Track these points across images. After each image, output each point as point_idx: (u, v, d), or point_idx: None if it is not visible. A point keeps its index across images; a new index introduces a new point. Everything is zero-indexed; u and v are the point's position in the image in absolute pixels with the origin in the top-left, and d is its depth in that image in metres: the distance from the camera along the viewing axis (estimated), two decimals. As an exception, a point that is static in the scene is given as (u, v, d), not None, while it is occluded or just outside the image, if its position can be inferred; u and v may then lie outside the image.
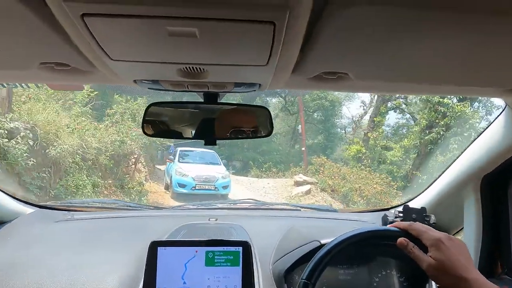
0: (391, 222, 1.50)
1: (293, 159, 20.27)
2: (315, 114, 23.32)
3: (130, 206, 1.76)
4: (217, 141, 1.00)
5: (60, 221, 1.51)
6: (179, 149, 12.49)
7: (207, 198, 9.71)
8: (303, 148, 18.70)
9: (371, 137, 15.62)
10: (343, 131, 23.10)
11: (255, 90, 0.84)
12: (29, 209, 1.56)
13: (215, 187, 10.32)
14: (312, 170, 14.36)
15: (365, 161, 14.33)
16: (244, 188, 12.92)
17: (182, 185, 10.01)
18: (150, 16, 0.49)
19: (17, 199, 1.54)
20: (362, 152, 14.89)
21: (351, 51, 0.65)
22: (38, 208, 1.59)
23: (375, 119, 15.89)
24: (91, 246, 1.32)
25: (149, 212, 1.70)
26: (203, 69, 0.68)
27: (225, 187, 10.68)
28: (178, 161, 11.39)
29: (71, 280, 1.14)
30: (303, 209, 1.85)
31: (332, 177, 12.75)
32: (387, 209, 1.76)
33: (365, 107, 19.98)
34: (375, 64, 0.71)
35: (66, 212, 1.61)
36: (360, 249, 0.95)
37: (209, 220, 1.53)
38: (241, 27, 0.52)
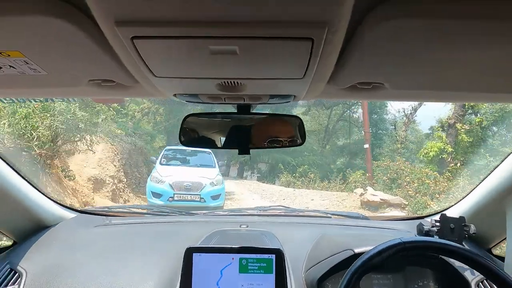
0: (427, 231, 1.45)
1: (327, 160, 18.76)
2: (353, 106, 20.12)
3: (164, 212, 1.81)
4: (250, 150, 1.02)
5: (99, 226, 1.58)
6: (166, 148, 10.23)
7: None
8: (366, 146, 13.11)
9: (461, 129, 10.46)
10: (393, 127, 18.86)
11: (289, 101, 0.85)
12: (71, 214, 1.65)
13: (201, 198, 7.80)
14: (381, 180, 10.35)
15: (452, 164, 10.14)
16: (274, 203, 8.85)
17: (157, 195, 7.78)
18: (194, 37, 0.52)
19: (60, 204, 1.63)
20: (448, 151, 10.27)
21: (387, 62, 0.65)
22: (79, 213, 1.68)
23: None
24: (128, 252, 1.37)
25: (181, 218, 1.74)
26: (241, 83, 0.70)
27: (215, 197, 8.06)
28: (160, 163, 9.00)
29: (111, 284, 1.19)
30: (334, 216, 1.83)
31: (429, 193, 8.27)
32: (422, 217, 1.70)
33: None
34: (410, 74, 0.70)
35: (104, 217, 1.69)
36: (396, 258, 0.94)
37: (240, 226, 1.55)
38: (279, 44, 0.54)
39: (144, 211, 1.82)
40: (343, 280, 0.91)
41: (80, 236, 1.49)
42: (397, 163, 10.43)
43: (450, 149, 10.25)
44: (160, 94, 0.82)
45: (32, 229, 1.48)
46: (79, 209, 1.71)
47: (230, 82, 0.70)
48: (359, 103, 17.40)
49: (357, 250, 1.20)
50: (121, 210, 1.84)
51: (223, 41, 0.53)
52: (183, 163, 9.32)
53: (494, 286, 1.26)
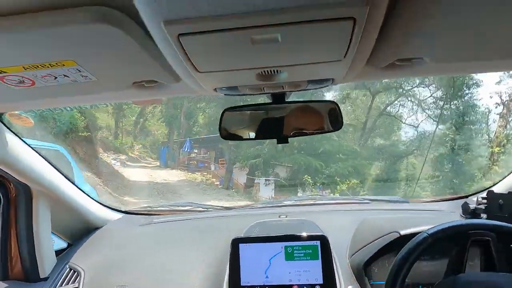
0: (473, 210, 1.41)
1: (368, 166, 13.60)
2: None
3: (203, 208, 1.86)
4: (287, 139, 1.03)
5: (143, 225, 1.65)
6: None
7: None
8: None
9: None
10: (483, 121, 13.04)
11: (328, 86, 0.85)
12: (117, 215, 1.73)
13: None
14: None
15: None
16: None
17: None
18: (237, 28, 0.54)
19: (106, 206, 1.71)
20: None
21: (426, 35, 0.63)
22: (124, 214, 1.76)
23: None
24: (173, 247, 1.43)
25: (220, 213, 1.78)
26: (280, 70, 0.71)
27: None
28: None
29: (161, 278, 1.25)
30: (372, 201, 1.81)
31: None
32: (466, 197, 1.65)
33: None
34: (450, 45, 0.69)
35: (147, 216, 1.76)
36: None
37: (279, 217, 1.57)
38: (321, 27, 0.54)
39: (184, 208, 1.88)
40: (395, 264, 0.91)
41: (127, 235, 1.57)
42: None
43: None
44: (201, 90, 0.85)
45: (84, 230, 1.57)
46: (123, 210, 1.80)
47: (270, 71, 0.71)
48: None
49: (403, 232, 1.18)
50: (162, 208, 1.90)
51: (265, 30, 0.54)
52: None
53: None
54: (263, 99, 1.02)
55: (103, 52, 0.64)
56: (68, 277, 1.34)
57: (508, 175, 1.42)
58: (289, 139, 1.02)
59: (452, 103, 13.11)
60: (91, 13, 0.53)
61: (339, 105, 1.01)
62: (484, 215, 1.34)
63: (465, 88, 12.73)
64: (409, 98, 15.67)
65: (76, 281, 1.31)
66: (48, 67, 0.66)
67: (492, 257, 0.93)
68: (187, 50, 0.59)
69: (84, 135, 11.57)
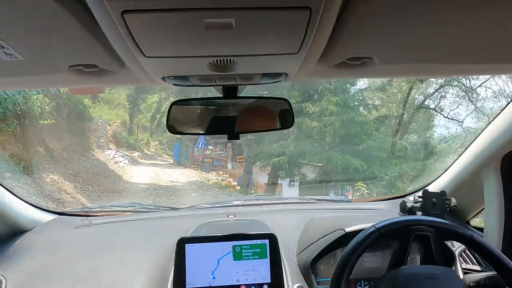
0: (410, 208, 1.50)
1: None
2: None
3: (147, 208, 1.76)
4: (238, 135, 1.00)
5: (80, 227, 1.52)
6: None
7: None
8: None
9: None
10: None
11: (280, 81, 0.84)
12: (48, 216, 1.57)
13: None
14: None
15: None
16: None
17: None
18: (188, 9, 0.50)
19: (36, 206, 1.54)
20: None
21: (376, 35, 0.65)
22: (57, 215, 1.60)
23: None
24: (113, 249, 1.32)
25: (166, 213, 1.70)
26: (233, 60, 0.68)
27: None
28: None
29: (100, 282, 1.14)
30: (318, 201, 1.86)
31: None
32: (403, 196, 1.76)
33: None
34: (398, 46, 0.71)
35: (84, 217, 1.62)
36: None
37: (227, 217, 1.54)
38: (277, 15, 0.52)
39: (127, 209, 1.76)
40: (342, 258, 0.93)
41: (60, 238, 1.43)
42: None
43: None
44: (148, 79, 0.78)
45: (8, 234, 1.39)
46: (57, 211, 1.63)
47: (223, 60, 0.68)
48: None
49: (348, 230, 1.22)
50: (101, 209, 1.77)
51: (219, 13, 0.51)
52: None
53: (476, 254, 1.33)
54: (216, 93, 0.99)
55: (33, 27, 0.55)
56: None
57: (441, 175, 1.54)
58: (241, 135, 0.99)
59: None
60: None
61: (291, 102, 1.01)
62: (419, 213, 1.44)
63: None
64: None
65: None
66: None
67: (431, 252, 1.00)
68: (132, 30, 0.54)
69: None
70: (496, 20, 0.59)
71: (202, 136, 14.58)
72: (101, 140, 14.96)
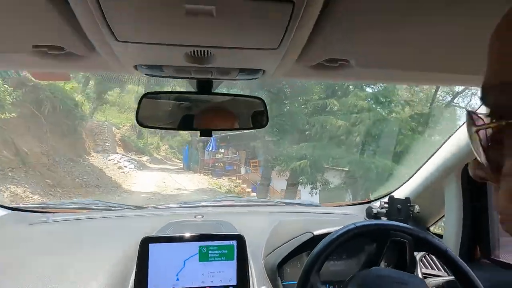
0: (376, 214, 1.54)
1: None
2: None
3: (111, 206, 1.68)
4: (212, 132, 0.98)
5: (35, 224, 1.41)
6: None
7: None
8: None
9: None
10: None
11: (257, 78, 0.83)
12: (0, 212, 1.45)
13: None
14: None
15: None
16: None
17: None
18: None
19: None
20: None
21: (353, 37, 0.66)
22: (11, 211, 1.49)
23: None
24: (73, 247, 1.25)
25: (131, 212, 1.63)
26: (211, 52, 0.66)
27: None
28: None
29: (60, 280, 1.07)
30: (288, 204, 1.86)
31: None
32: (370, 202, 1.80)
33: None
34: (374, 51, 0.72)
35: (41, 214, 1.51)
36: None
37: (195, 217, 1.50)
38: (259, 6, 0.51)
39: (89, 206, 1.67)
40: (308, 262, 0.92)
41: (12, 235, 1.32)
42: None
43: None
44: (119, 66, 0.74)
45: None
46: (10, 206, 1.52)
47: (200, 51, 0.65)
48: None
49: (316, 233, 1.23)
50: (60, 206, 1.67)
51: None
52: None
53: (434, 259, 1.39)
54: (191, 88, 0.96)
55: None
56: None
57: (407, 181, 1.59)
58: (213, 132, 0.97)
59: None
60: None
61: (265, 102, 1.00)
62: (384, 218, 1.48)
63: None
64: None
65: None
66: None
67: (405, 258, 1.02)
68: (104, 9, 0.50)
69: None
70: (475, 30, 0.60)
71: (213, 138, 13.82)
72: (107, 144, 14.05)
